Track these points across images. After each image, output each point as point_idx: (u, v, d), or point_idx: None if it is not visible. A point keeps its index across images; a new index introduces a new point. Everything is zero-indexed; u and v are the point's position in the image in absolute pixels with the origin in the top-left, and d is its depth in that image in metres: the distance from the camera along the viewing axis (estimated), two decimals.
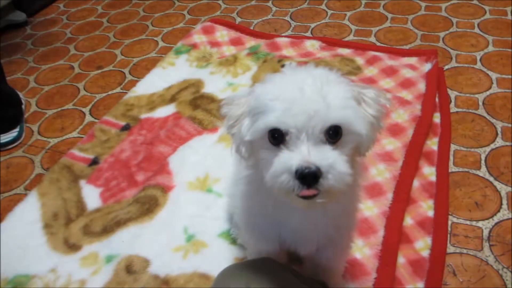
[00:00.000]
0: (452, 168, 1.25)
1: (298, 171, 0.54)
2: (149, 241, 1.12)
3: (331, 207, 0.68)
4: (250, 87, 0.67)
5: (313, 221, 0.72)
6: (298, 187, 0.55)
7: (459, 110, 1.45)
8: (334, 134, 0.57)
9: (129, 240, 1.13)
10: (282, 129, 0.56)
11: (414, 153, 1.26)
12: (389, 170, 1.22)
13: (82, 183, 1.32)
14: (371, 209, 1.12)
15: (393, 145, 1.29)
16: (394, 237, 1.05)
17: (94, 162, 1.39)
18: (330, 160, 0.55)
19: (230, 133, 0.65)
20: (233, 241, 1.10)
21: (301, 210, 0.68)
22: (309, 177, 0.54)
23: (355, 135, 0.58)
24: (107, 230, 1.17)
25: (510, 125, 1.36)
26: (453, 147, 1.31)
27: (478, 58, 1.68)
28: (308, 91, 0.56)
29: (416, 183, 1.21)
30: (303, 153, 0.55)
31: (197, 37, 1.94)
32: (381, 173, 1.21)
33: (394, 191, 1.16)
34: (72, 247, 1.14)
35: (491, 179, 1.21)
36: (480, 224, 1.10)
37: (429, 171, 1.24)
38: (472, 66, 1.64)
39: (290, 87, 0.58)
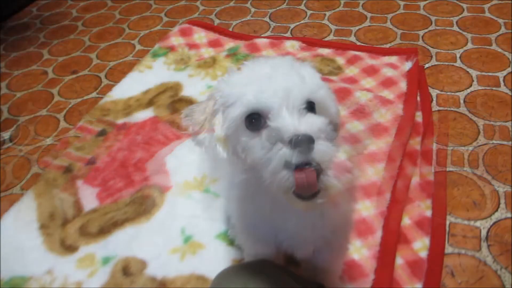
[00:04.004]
0: (449, 167, 1.23)
1: (293, 140, 0.51)
2: (146, 242, 1.11)
3: (327, 209, 0.68)
4: (209, 93, 0.67)
5: (309, 224, 0.71)
6: (296, 155, 0.51)
7: (441, 108, 1.44)
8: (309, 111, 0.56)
9: (126, 242, 1.11)
10: (261, 109, 0.54)
11: (400, 153, 1.24)
12: (386, 170, 1.20)
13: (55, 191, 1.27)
14: (368, 209, 1.11)
15: (375, 145, 1.27)
16: (392, 238, 1.04)
17: (68, 170, 1.33)
18: (319, 125, 0.54)
19: (198, 141, 0.63)
20: (231, 243, 1.08)
21: (298, 213, 0.67)
22: (303, 143, 0.51)
23: (327, 115, 0.58)
24: (104, 231, 1.15)
25: (491, 123, 1.35)
26: (450, 145, 1.30)
27: (458, 56, 1.67)
28: (280, 69, 0.56)
29: (413, 182, 1.19)
30: (293, 123, 0.52)
31: (175, 39, 1.90)
32: (379, 173, 1.20)
33: (392, 191, 1.14)
34: (68, 248, 1.12)
35: (489, 178, 1.19)
36: (478, 223, 1.09)
37: (426, 171, 1.22)
38: (452, 64, 1.64)
39: (261, 70, 0.57)
